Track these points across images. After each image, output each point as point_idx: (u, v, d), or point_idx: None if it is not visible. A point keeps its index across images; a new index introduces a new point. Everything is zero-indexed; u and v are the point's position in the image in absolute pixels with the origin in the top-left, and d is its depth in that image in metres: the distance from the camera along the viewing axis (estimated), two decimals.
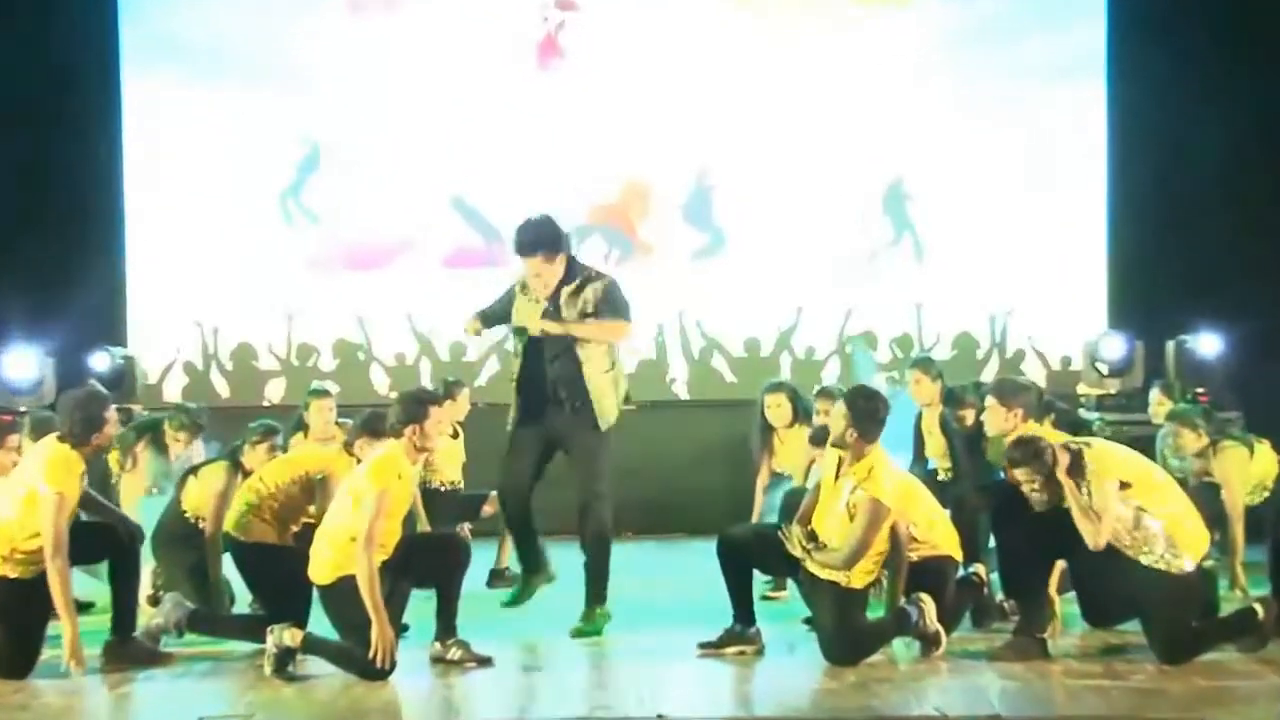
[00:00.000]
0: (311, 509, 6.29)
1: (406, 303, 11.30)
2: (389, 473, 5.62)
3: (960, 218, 11.44)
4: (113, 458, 7.54)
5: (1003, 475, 6.09)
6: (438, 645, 5.83)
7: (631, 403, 6.59)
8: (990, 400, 6.31)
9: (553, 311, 6.35)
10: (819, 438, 6.60)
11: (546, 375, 6.39)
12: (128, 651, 5.88)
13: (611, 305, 6.40)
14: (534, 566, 6.64)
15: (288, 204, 11.48)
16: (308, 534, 5.99)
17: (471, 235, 11.45)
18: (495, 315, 6.61)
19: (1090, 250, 11.41)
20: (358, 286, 11.42)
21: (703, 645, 6.00)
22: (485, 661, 5.79)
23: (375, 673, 5.48)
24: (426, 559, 5.81)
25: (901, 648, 5.98)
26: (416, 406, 5.72)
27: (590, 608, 6.46)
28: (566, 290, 6.37)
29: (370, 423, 6.40)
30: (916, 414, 7.86)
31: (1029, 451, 5.76)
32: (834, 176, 11.39)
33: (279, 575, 6.04)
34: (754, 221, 11.48)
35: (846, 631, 5.77)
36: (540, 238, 6.33)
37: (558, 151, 11.39)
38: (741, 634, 5.99)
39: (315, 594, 5.82)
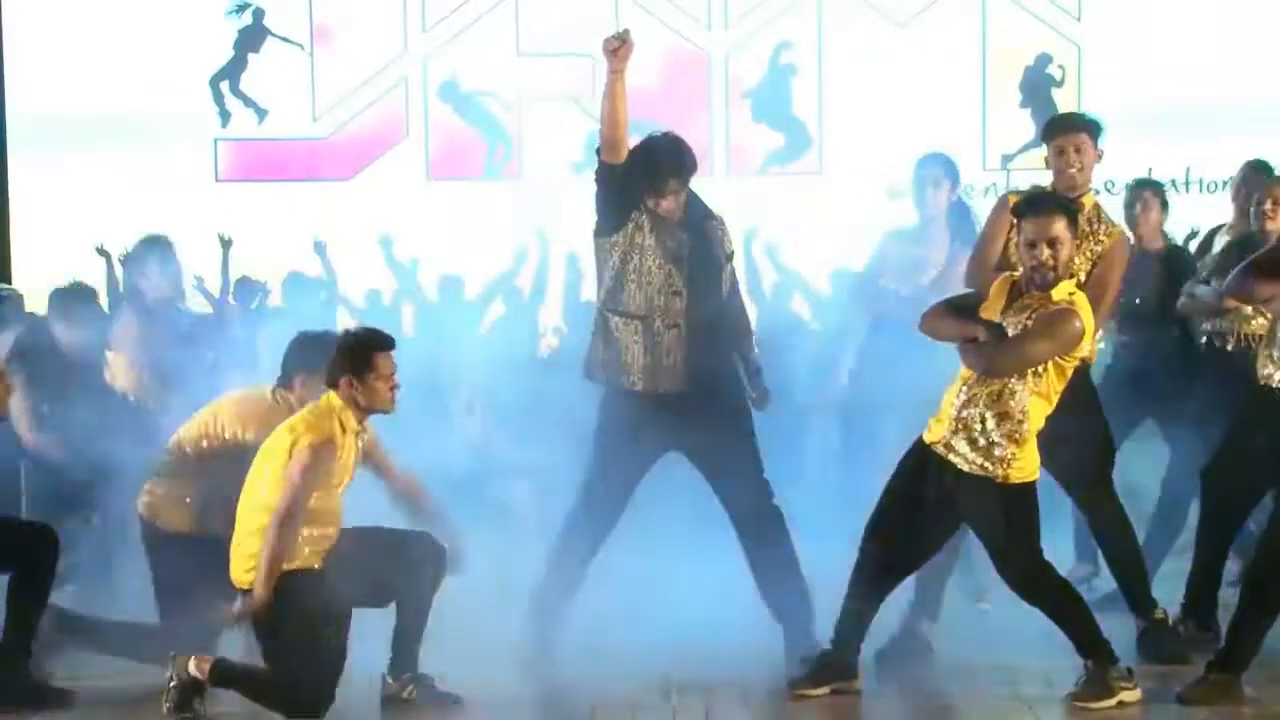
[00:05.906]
0: None
1: (381, 223, 11.12)
2: (328, 421, 5.43)
3: (1131, 106, 11.23)
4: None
5: None
6: (390, 681, 5.80)
7: None
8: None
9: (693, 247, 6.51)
10: None
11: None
12: (11, 685, 5.84)
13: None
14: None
15: (223, 92, 11.51)
16: None
17: (466, 133, 11.46)
18: None
19: None
20: (317, 202, 11.44)
21: (797, 683, 5.94)
22: (451, 702, 5.76)
23: (304, 710, 5.42)
24: (379, 564, 5.64)
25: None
26: (356, 352, 5.50)
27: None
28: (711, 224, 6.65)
29: (306, 348, 6.07)
30: None
31: None
32: (955, 53, 11.35)
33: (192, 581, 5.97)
34: (849, 115, 11.41)
35: (1020, 533, 5.65)
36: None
37: (580, 15, 11.32)
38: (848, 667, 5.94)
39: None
